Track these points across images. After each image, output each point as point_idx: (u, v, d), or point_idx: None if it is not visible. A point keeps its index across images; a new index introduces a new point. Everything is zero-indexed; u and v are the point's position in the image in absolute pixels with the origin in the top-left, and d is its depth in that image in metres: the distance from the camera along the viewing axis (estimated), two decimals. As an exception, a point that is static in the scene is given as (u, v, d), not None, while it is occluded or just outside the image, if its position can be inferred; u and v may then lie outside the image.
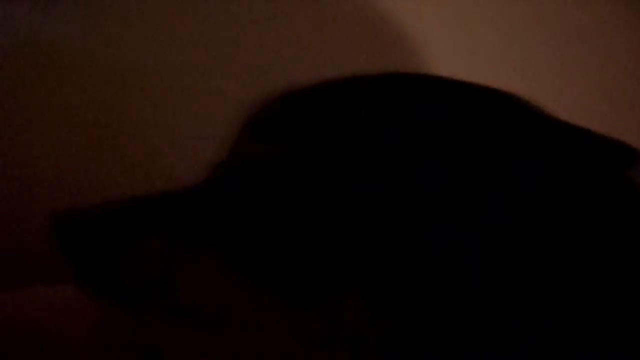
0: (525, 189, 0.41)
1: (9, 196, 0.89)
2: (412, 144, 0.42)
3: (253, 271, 0.44)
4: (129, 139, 0.92)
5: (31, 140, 0.92)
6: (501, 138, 0.42)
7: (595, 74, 1.41)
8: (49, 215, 0.50)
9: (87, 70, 0.95)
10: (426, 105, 0.44)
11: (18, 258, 0.84)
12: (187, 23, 1.00)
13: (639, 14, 1.38)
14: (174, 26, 0.99)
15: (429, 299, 0.41)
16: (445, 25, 1.18)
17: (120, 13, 0.97)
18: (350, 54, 1.05)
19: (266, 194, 0.44)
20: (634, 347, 0.41)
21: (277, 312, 0.45)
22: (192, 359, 0.49)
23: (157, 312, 0.50)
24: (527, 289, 0.41)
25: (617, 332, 0.41)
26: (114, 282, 0.49)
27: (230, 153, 0.49)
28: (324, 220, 0.42)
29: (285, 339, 0.46)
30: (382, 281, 0.41)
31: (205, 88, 0.98)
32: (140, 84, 0.96)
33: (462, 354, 0.42)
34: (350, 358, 0.44)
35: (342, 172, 0.42)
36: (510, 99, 0.47)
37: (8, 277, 0.74)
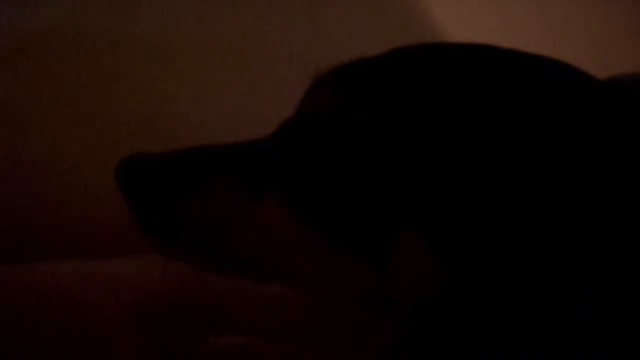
0: None
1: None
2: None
3: (317, 221, 0.45)
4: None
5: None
6: None
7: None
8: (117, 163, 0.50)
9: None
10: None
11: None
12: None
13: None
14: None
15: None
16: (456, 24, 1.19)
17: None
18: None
19: (331, 145, 0.45)
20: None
21: (338, 265, 0.45)
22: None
23: (216, 265, 0.51)
24: None
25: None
26: (179, 227, 0.48)
27: (297, 110, 0.50)
28: (386, 171, 0.44)
29: (346, 297, 0.47)
30: (442, 230, 0.43)
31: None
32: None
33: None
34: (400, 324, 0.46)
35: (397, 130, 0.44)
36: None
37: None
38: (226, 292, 0.67)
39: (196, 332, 0.65)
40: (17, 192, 0.88)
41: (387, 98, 0.45)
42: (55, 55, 0.94)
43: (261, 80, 0.97)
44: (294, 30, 1.02)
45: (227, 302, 0.66)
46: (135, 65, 0.95)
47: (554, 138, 0.43)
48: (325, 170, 0.45)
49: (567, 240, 0.42)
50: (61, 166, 0.90)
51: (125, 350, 0.63)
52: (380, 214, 0.44)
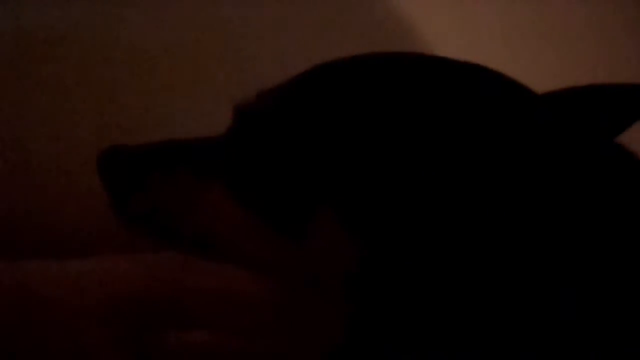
0: None
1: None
2: None
3: (251, 201, 0.53)
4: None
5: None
6: None
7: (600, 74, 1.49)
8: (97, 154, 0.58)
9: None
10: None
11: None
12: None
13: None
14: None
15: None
16: (450, 26, 1.22)
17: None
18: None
19: (262, 140, 0.54)
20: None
21: (265, 237, 0.53)
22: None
23: (176, 245, 0.58)
24: None
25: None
26: (145, 209, 0.56)
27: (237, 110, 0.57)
28: (303, 159, 0.51)
29: (272, 264, 0.54)
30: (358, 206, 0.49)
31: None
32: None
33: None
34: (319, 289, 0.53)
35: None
36: None
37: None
38: (191, 291, 0.70)
39: (162, 329, 0.68)
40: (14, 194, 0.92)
41: (310, 101, 0.53)
42: (50, 58, 0.98)
43: (250, 85, 1.00)
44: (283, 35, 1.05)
45: (192, 300, 0.69)
46: (126, 71, 0.99)
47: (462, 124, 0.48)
48: (257, 161, 0.53)
49: (471, 216, 0.47)
50: (55, 167, 0.95)
51: (92, 346, 0.66)
52: (298, 194, 0.51)
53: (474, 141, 0.48)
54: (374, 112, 0.50)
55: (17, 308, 0.69)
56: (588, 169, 0.49)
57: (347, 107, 0.51)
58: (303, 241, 0.51)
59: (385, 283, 0.49)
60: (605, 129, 0.57)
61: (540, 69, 1.25)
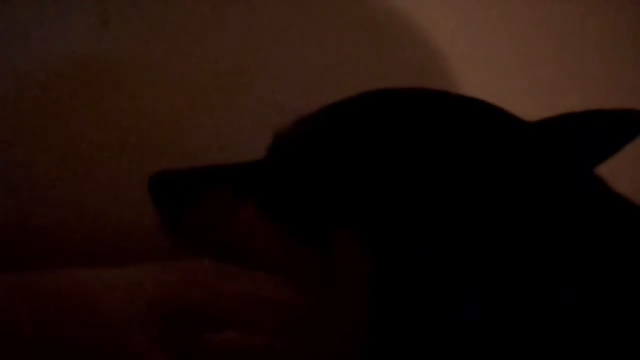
0: None
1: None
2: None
3: (281, 218, 0.62)
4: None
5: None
6: None
7: (606, 82, 1.41)
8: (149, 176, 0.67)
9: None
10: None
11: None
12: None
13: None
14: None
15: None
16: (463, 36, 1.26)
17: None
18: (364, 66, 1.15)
19: (290, 166, 0.62)
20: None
21: (293, 249, 0.62)
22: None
23: (215, 256, 0.68)
24: None
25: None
26: (190, 226, 0.66)
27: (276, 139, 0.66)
28: (328, 183, 0.60)
29: (298, 272, 0.63)
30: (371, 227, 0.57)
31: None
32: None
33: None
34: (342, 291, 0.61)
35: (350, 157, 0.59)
36: None
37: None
38: (225, 295, 0.78)
39: (199, 330, 0.75)
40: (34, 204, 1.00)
41: (335, 130, 0.61)
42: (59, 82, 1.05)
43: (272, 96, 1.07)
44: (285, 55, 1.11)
45: (227, 304, 0.77)
46: (164, 88, 1.06)
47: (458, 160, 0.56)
48: (289, 184, 0.62)
49: (468, 235, 0.55)
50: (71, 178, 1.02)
51: (139, 346, 0.73)
52: (322, 215, 0.60)
53: (464, 173, 0.56)
54: (384, 148, 0.58)
55: (70, 313, 0.77)
56: (558, 196, 0.56)
57: (362, 143, 0.59)
58: (324, 254, 0.60)
59: (396, 294, 0.57)
60: (592, 155, 0.64)
61: (544, 67, 1.30)
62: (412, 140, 0.58)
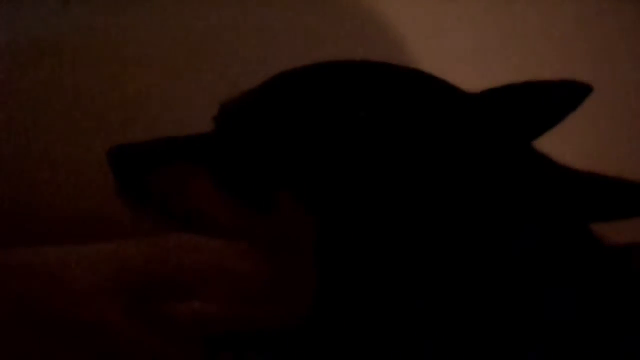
0: None
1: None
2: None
3: (229, 185, 0.65)
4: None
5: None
6: None
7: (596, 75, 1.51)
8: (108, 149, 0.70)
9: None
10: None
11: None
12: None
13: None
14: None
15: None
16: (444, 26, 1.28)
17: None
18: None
19: (236, 134, 0.66)
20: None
21: (241, 215, 0.65)
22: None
23: (172, 222, 0.70)
24: None
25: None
26: (147, 194, 0.69)
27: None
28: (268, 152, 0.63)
29: (249, 237, 0.67)
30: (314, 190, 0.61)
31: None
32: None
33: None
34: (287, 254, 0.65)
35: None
36: None
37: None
38: (188, 267, 0.81)
39: (163, 301, 0.79)
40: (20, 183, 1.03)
41: (275, 100, 0.65)
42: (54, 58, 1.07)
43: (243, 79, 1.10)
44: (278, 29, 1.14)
45: (189, 276, 0.81)
46: (123, 66, 1.08)
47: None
48: (234, 152, 0.65)
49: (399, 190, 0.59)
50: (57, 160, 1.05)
51: (106, 314, 0.77)
52: (266, 181, 0.63)
53: (403, 139, 0.60)
54: (324, 116, 0.62)
55: (38, 286, 0.80)
56: (495, 164, 0.60)
57: (298, 111, 0.63)
58: (269, 216, 0.64)
59: (337, 247, 0.61)
60: (532, 125, 0.67)
61: (534, 66, 1.28)
62: (350, 107, 0.62)
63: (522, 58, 1.31)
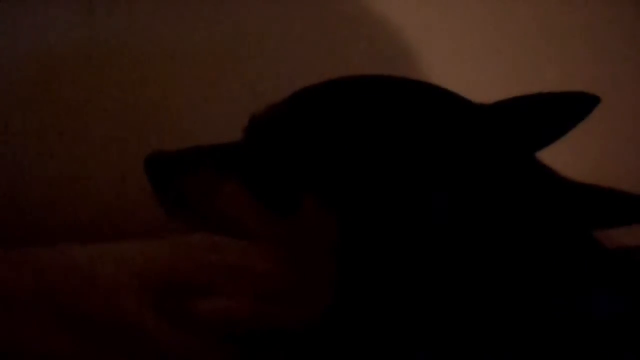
0: None
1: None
2: None
3: (258, 191, 0.70)
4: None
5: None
6: None
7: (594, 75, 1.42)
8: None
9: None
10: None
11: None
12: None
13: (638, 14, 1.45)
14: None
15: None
16: (445, 27, 1.31)
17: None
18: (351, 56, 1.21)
19: (265, 145, 0.70)
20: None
21: (268, 218, 0.70)
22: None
23: (204, 225, 0.76)
24: None
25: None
26: (181, 198, 0.74)
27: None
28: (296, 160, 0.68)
29: (274, 239, 0.71)
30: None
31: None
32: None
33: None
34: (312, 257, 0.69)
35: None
36: None
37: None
38: (211, 266, 0.85)
39: (186, 298, 0.83)
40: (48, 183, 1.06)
41: (302, 112, 0.70)
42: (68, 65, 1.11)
43: (259, 82, 1.14)
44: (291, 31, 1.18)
45: (212, 274, 0.85)
46: (139, 72, 1.12)
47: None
48: (262, 160, 0.70)
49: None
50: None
51: (131, 310, 0.81)
52: (292, 187, 0.68)
53: (417, 149, 0.64)
54: (344, 127, 0.67)
55: (66, 283, 0.84)
56: (498, 174, 0.64)
57: (324, 123, 0.68)
58: (294, 218, 0.68)
59: (356, 248, 0.65)
60: (539, 136, 0.70)
61: (529, 68, 1.33)
62: (370, 120, 0.66)
63: (523, 59, 1.35)
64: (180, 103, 1.12)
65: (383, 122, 0.66)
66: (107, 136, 1.10)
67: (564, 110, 0.71)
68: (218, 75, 1.15)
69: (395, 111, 0.67)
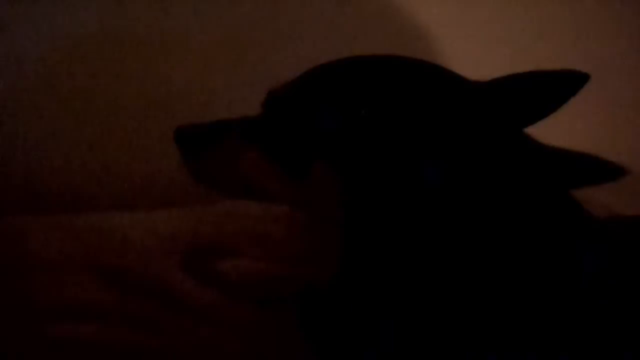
0: None
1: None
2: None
3: (275, 156, 0.78)
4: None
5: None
6: None
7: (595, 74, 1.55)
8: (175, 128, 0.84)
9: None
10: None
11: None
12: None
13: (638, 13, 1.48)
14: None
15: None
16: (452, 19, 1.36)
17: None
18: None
19: (279, 117, 0.80)
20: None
21: (284, 181, 0.78)
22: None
23: (228, 188, 0.85)
24: None
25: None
26: (210, 167, 0.83)
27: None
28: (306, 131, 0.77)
29: (286, 196, 0.80)
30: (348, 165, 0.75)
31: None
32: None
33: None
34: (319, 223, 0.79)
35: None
36: None
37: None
38: (233, 232, 0.95)
39: (212, 259, 0.92)
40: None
41: (312, 92, 0.79)
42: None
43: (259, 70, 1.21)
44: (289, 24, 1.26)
45: (234, 239, 0.94)
46: (146, 62, 1.21)
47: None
48: (280, 130, 0.79)
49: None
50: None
51: (165, 270, 0.90)
52: (303, 152, 0.77)
53: (415, 123, 0.74)
54: (346, 102, 0.76)
55: (107, 246, 0.94)
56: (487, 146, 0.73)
57: (330, 98, 0.77)
58: (307, 181, 0.77)
59: (360, 210, 0.74)
60: (531, 111, 0.75)
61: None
62: (371, 95, 0.75)
63: (526, 52, 1.39)
64: (204, 84, 1.21)
65: (383, 98, 0.75)
66: (136, 113, 1.19)
67: (553, 87, 0.74)
68: (240, 61, 1.24)
69: (395, 87, 0.75)
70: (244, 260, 0.92)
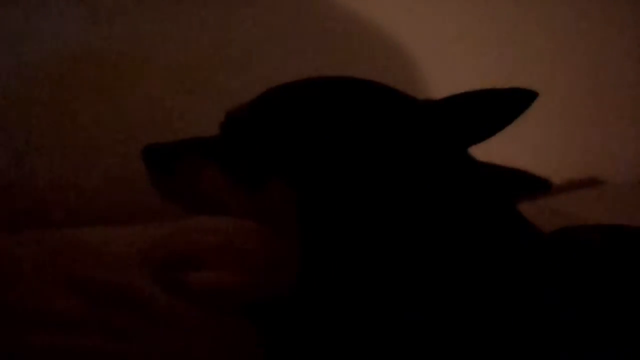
0: None
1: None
2: None
3: (232, 173, 0.85)
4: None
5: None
6: None
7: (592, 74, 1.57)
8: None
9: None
10: None
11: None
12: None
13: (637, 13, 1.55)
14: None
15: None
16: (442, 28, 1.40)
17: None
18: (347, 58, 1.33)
19: (237, 134, 0.86)
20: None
21: (242, 196, 0.86)
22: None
23: (190, 205, 0.92)
24: None
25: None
26: (172, 183, 0.91)
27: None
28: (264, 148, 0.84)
29: (244, 211, 0.87)
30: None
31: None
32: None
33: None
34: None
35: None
36: None
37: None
38: (203, 245, 1.00)
39: (181, 270, 0.97)
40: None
41: (268, 109, 0.86)
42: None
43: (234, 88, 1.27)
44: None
45: (204, 252, 0.99)
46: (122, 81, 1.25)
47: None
48: (237, 149, 0.86)
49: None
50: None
51: (137, 282, 0.95)
52: (260, 169, 0.84)
53: (361, 140, 0.79)
54: (298, 123, 0.82)
55: (81, 258, 0.99)
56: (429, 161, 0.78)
57: (283, 119, 0.84)
58: (262, 196, 0.84)
59: (313, 220, 0.80)
60: (478, 129, 0.78)
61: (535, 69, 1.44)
62: (320, 117, 0.82)
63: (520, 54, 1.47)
64: (173, 105, 1.27)
65: (332, 119, 0.81)
66: (109, 132, 1.24)
67: (499, 106, 0.76)
68: (206, 82, 1.29)
69: (344, 109, 0.81)
70: (210, 271, 0.97)
